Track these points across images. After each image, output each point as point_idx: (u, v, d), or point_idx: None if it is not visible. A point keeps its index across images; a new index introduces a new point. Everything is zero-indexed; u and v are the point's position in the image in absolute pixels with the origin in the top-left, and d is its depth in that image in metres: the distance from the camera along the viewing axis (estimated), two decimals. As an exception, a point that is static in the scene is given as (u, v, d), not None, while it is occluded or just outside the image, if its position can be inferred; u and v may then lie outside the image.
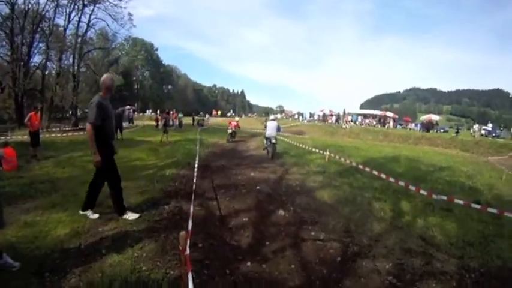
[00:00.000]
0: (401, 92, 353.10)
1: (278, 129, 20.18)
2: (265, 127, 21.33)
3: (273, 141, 18.49)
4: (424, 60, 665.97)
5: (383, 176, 11.89)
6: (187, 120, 50.15)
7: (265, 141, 19.99)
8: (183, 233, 4.15)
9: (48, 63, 42.04)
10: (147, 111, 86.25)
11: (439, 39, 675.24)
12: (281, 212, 8.42)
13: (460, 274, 5.86)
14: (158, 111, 63.33)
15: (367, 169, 13.11)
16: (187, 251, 4.03)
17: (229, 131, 28.56)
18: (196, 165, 11.78)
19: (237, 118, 45.92)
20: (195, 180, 9.71)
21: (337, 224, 7.89)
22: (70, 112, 45.91)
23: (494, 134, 48.48)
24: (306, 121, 70.47)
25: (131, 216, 7.12)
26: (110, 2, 42.13)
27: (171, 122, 40.48)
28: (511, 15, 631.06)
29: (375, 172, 12.43)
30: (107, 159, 6.74)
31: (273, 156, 18.19)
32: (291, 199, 9.74)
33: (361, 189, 11.31)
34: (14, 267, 4.75)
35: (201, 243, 6.12)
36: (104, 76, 7.20)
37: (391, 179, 11.49)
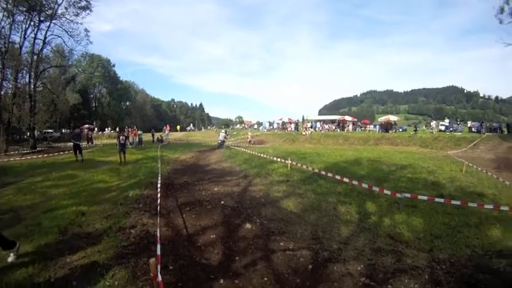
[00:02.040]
0: (359, 95, 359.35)
1: (225, 136, 39.01)
2: (219, 135, 38.91)
3: (222, 140, 35.75)
4: (380, 64, 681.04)
5: (346, 179, 12.11)
6: (147, 136, 49.67)
7: (218, 143, 35.78)
8: (152, 260, 4.12)
9: (4, 82, 41.02)
10: (106, 129, 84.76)
11: (393, 43, 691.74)
12: (248, 225, 8.43)
13: (431, 267, 6.08)
14: (117, 129, 62.42)
15: (330, 174, 13.28)
16: (159, 277, 4.01)
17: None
18: (159, 185, 11.65)
19: (249, 133, 51.09)
20: (159, 201, 9.60)
21: (305, 231, 7.97)
22: (28, 134, 44.65)
23: (451, 129, 49.53)
24: (266, 130, 70.83)
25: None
26: (66, 18, 41.08)
27: (130, 140, 39.95)
28: (458, 18, 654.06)
29: (338, 177, 12.62)
30: None
31: (220, 147, 33.21)
32: (256, 211, 9.74)
33: (325, 194, 11.43)
34: None
35: (171, 265, 6.05)
36: None
37: (355, 182, 11.69)
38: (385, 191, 10.09)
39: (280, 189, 12.59)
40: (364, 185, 11.05)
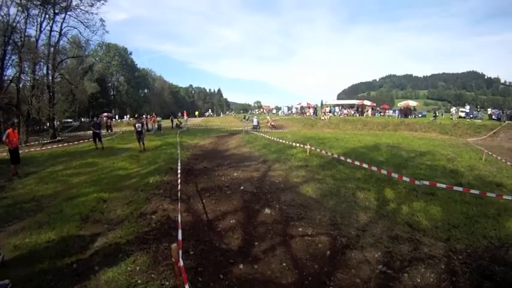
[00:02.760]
0: (378, 80, 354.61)
1: (258, 121, 45.21)
2: (252, 121, 47.13)
3: (256, 124, 42.76)
4: (399, 47, 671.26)
5: (365, 165, 11.98)
6: (166, 123, 49.73)
7: (253, 126, 42.44)
8: (174, 245, 4.18)
9: (22, 75, 41.47)
10: (125, 117, 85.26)
11: (413, 26, 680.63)
12: (267, 210, 8.43)
13: (448, 256, 6.03)
14: (136, 116, 62.84)
15: (349, 160, 13.16)
16: (181, 262, 4.07)
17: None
18: (179, 170, 11.73)
19: (268, 117, 56.27)
20: (179, 187, 9.66)
21: (324, 217, 7.97)
22: (47, 124, 45.27)
23: (471, 116, 48.78)
24: (284, 115, 70.56)
25: None
26: (81, 9, 41.37)
27: (149, 126, 40.25)
28: (479, 1, 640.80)
29: (357, 162, 12.49)
30: None
31: (255, 129, 38.84)
32: (275, 197, 9.76)
33: (344, 180, 11.37)
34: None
35: (192, 250, 6.13)
36: None
37: (374, 168, 11.59)
38: (404, 178, 9.98)
39: (299, 174, 12.58)
40: (383, 171, 10.94)
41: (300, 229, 7.21)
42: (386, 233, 6.95)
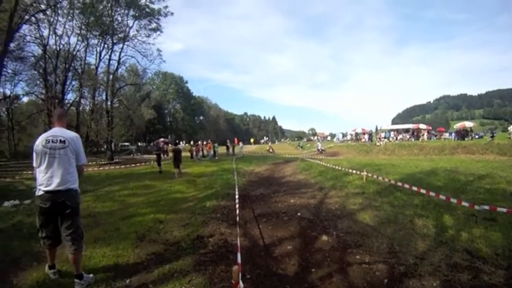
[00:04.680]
0: (432, 101, 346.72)
1: (321, 145, 56.46)
2: (317, 144, 59.43)
3: (320, 148, 52.86)
4: (451, 66, 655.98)
5: (423, 191, 11.66)
6: (222, 149, 50.48)
7: (317, 149, 51.69)
8: (235, 267, 4.34)
9: (82, 100, 43.83)
10: (181, 142, 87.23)
11: (464, 43, 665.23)
12: (324, 237, 8.41)
13: (509, 285, 5.76)
14: (191, 142, 64.37)
15: (406, 186, 12.85)
16: (241, 284, 4.23)
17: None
18: (237, 195, 11.83)
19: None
20: (237, 212, 9.70)
21: (381, 245, 7.85)
22: (105, 146, 47.21)
23: (531, 134, 46.95)
24: (339, 141, 70.43)
25: None
26: (138, 40, 44.08)
27: (205, 152, 41.34)
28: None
29: (415, 188, 12.18)
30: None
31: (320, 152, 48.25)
32: (332, 223, 9.71)
33: (402, 207, 11.10)
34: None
35: (248, 274, 6.20)
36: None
37: (432, 194, 11.31)
38: (463, 203, 9.69)
39: (356, 201, 12.42)
40: (442, 197, 10.64)
41: (358, 256, 7.12)
42: (444, 261, 6.74)
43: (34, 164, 5.35)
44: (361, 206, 11.79)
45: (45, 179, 5.21)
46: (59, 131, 5.48)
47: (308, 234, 8.84)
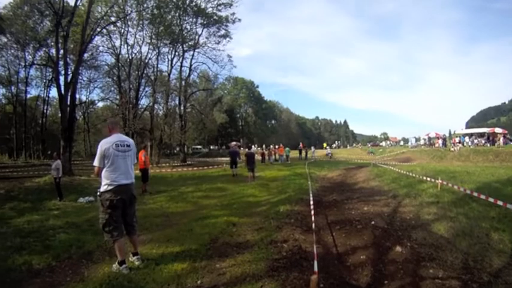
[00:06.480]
0: (507, 102, 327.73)
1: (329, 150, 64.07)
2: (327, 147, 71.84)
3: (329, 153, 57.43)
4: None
5: (500, 202, 11.22)
6: (294, 153, 50.51)
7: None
8: (314, 276, 4.23)
9: (155, 105, 45.65)
10: (253, 146, 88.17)
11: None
12: (398, 248, 7.93)
13: None
14: (263, 146, 65.18)
15: (482, 196, 12.23)
16: None
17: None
18: (311, 201, 11.69)
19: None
20: (313, 218, 9.51)
21: (455, 259, 7.23)
22: (178, 149, 49.03)
23: None
24: (411, 147, 68.91)
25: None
26: (208, 46, 45.65)
27: (277, 156, 41.72)
28: None
29: (491, 199, 11.68)
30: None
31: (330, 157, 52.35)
32: (406, 234, 9.20)
33: (477, 219, 10.14)
34: None
35: (322, 283, 5.84)
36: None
37: (509, 206, 11.09)
38: None
39: (431, 211, 11.64)
40: None
41: (431, 271, 6.61)
42: (519, 280, 6.53)
43: (98, 164, 6.10)
44: (436, 216, 11.08)
45: (117, 175, 6.12)
46: (122, 137, 6.51)
47: (382, 244, 8.44)
